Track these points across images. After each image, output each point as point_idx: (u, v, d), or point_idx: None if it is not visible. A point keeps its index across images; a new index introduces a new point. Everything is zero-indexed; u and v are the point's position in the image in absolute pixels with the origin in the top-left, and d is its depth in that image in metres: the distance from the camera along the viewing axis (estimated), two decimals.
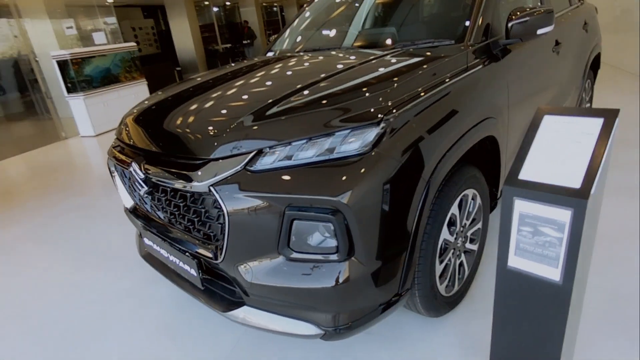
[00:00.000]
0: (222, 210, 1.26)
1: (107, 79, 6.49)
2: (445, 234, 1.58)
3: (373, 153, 1.23)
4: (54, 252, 2.87)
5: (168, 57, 12.41)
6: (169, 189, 1.45)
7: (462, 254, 1.77)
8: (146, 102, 1.93)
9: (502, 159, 1.91)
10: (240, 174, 1.26)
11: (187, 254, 1.51)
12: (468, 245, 1.80)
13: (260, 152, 1.27)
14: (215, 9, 14.69)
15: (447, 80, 1.54)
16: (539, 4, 2.51)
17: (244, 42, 13.34)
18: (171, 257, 1.62)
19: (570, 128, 1.13)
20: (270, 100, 1.43)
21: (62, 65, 5.92)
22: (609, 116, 1.09)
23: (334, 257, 1.25)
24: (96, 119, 6.32)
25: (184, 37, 11.45)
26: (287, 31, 2.68)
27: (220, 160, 1.29)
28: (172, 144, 1.46)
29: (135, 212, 1.82)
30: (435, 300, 1.61)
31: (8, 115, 8.98)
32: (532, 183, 1.08)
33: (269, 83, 1.74)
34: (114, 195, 3.68)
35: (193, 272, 1.51)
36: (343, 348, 1.71)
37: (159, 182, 1.45)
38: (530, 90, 2.14)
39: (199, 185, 1.30)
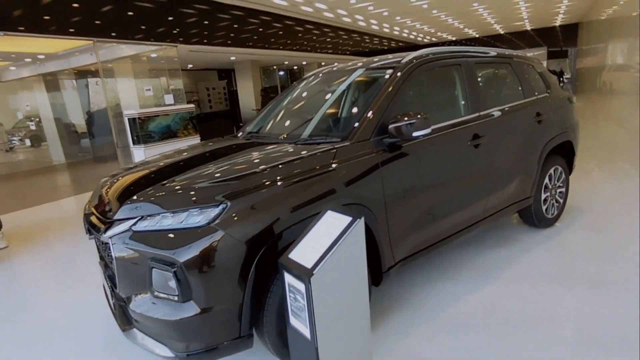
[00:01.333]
0: (112, 255, 1.83)
1: (166, 134, 7.77)
2: None
3: (211, 226, 1.72)
4: (73, 274, 3.66)
5: (234, 114, 14.12)
6: (97, 237, 2.07)
7: None
8: (121, 170, 2.63)
9: (380, 241, 2.23)
10: (127, 232, 1.83)
11: (108, 283, 2.09)
12: None
13: (142, 217, 1.83)
14: (281, 73, 16.44)
15: (302, 174, 1.98)
16: (462, 102, 2.86)
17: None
18: (104, 284, 2.21)
19: (333, 222, 1.53)
20: (164, 182, 2.02)
21: (132, 122, 7.30)
22: (355, 217, 1.48)
23: (176, 298, 1.72)
24: None
25: (248, 97, 13.06)
26: (255, 119, 3.35)
27: (118, 221, 1.88)
28: (100, 205, 2.11)
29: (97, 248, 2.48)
30: (288, 350, 1.95)
31: (97, 157, 10.97)
32: (293, 261, 1.48)
33: (172, 167, 2.32)
34: None
35: (109, 296, 2.08)
36: None
37: (93, 231, 2.08)
38: (421, 180, 2.45)
39: (105, 236, 1.89)
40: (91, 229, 2.09)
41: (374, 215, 2.19)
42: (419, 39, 20.99)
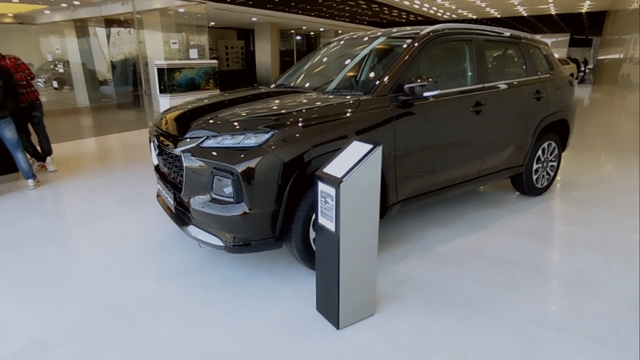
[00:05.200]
0: (183, 165, 2.35)
1: (190, 86, 8.21)
2: None
3: (262, 147, 2.23)
4: (116, 195, 4.22)
5: (249, 74, 14.42)
6: (166, 152, 2.58)
7: None
8: (179, 105, 3.12)
9: (388, 180, 2.72)
10: (195, 147, 2.33)
11: (171, 191, 2.62)
12: None
13: (208, 137, 2.34)
14: (298, 37, 16.55)
15: (332, 116, 2.47)
16: (469, 73, 3.28)
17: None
18: (165, 194, 2.75)
19: (357, 148, 2.01)
20: (224, 112, 2.51)
21: (160, 72, 7.72)
22: (375, 144, 1.97)
23: (231, 200, 2.25)
24: None
25: (265, 59, 13.32)
26: (286, 73, 3.80)
27: (188, 139, 2.39)
28: (172, 127, 2.60)
29: (156, 168, 3.00)
30: (307, 254, 2.48)
31: (119, 103, 11.43)
32: (326, 173, 1.98)
33: (237, 103, 2.81)
34: None
35: (171, 201, 2.62)
36: (252, 273, 2.66)
37: (164, 148, 2.59)
38: (427, 135, 2.91)
39: (177, 150, 2.41)
40: (162, 145, 2.60)
41: (385, 158, 2.68)
42: (439, 14, 20.80)
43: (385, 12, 18.68)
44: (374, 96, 2.68)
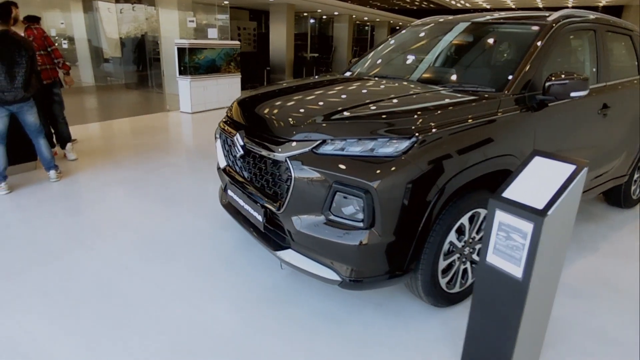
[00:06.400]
0: (291, 175, 1.81)
1: (211, 68, 7.55)
2: (452, 238, 1.97)
3: (402, 158, 1.70)
4: (153, 192, 3.65)
5: (261, 57, 13.65)
6: (257, 155, 2.04)
7: (468, 262, 2.14)
8: (256, 92, 2.56)
9: None
10: (307, 153, 1.80)
11: (258, 204, 2.08)
12: (475, 257, 2.15)
13: (324, 141, 1.80)
14: (311, 21, 15.77)
15: (475, 118, 1.95)
16: (594, 69, 2.78)
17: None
18: (246, 206, 2.21)
19: (550, 167, 1.51)
20: (338, 108, 1.97)
21: (180, 51, 7.05)
22: (579, 165, 1.46)
23: (359, 224, 1.73)
24: (195, 99, 7.39)
25: (279, 42, 12.60)
26: (364, 59, 3.24)
27: (297, 142, 1.84)
28: (267, 125, 2.05)
29: (225, 170, 2.46)
30: (434, 288, 2.00)
31: (127, 84, 10.66)
32: (511, 200, 1.47)
33: (341, 96, 2.28)
34: (193, 158, 4.74)
35: (260, 218, 2.08)
36: (353, 305, 2.16)
37: (252, 150, 2.04)
38: (562, 142, 2.44)
39: (279, 155, 1.86)
40: (249, 146, 2.05)
41: None
42: (453, 2, 20.15)
43: None
44: (511, 94, 2.16)
